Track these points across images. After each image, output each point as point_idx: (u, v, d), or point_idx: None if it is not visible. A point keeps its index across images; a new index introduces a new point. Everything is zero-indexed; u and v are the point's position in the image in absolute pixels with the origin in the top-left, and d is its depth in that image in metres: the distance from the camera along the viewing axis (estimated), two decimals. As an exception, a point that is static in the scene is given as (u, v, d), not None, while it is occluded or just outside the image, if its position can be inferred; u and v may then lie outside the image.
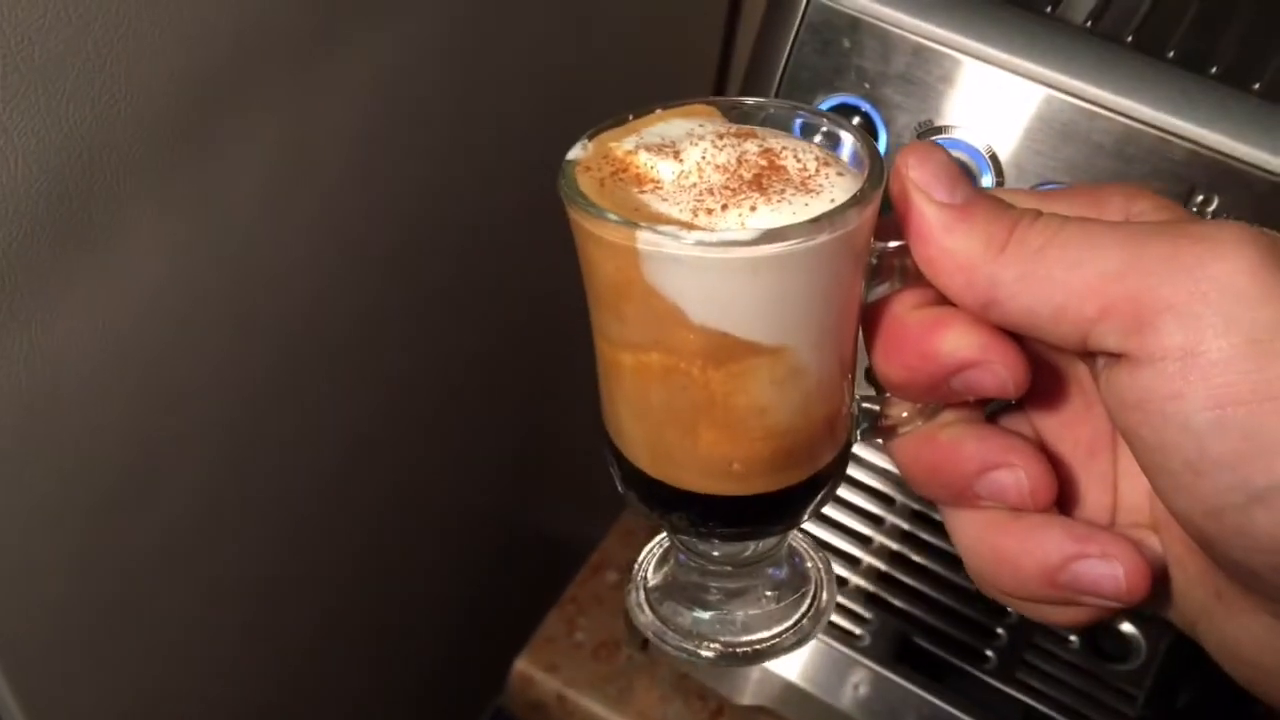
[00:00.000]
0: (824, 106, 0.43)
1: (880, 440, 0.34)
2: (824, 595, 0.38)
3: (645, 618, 0.38)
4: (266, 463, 0.65)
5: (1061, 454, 0.33)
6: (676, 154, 0.31)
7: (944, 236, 0.29)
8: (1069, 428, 0.33)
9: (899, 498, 0.66)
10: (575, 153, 0.32)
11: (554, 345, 0.94)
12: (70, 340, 0.49)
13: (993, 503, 0.32)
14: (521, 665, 0.66)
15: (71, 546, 0.54)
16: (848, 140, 0.32)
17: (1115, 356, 0.28)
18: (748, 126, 0.32)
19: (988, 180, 0.42)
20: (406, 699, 0.98)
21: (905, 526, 0.64)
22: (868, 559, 0.63)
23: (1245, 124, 0.39)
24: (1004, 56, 0.40)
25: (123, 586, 0.58)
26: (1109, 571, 0.30)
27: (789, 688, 0.63)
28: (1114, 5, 0.42)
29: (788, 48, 0.43)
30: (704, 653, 0.37)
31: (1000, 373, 0.30)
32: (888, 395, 0.33)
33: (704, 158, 0.30)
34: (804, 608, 0.37)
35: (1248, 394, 0.26)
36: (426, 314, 0.73)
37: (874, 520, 0.64)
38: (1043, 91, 0.40)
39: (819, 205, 0.29)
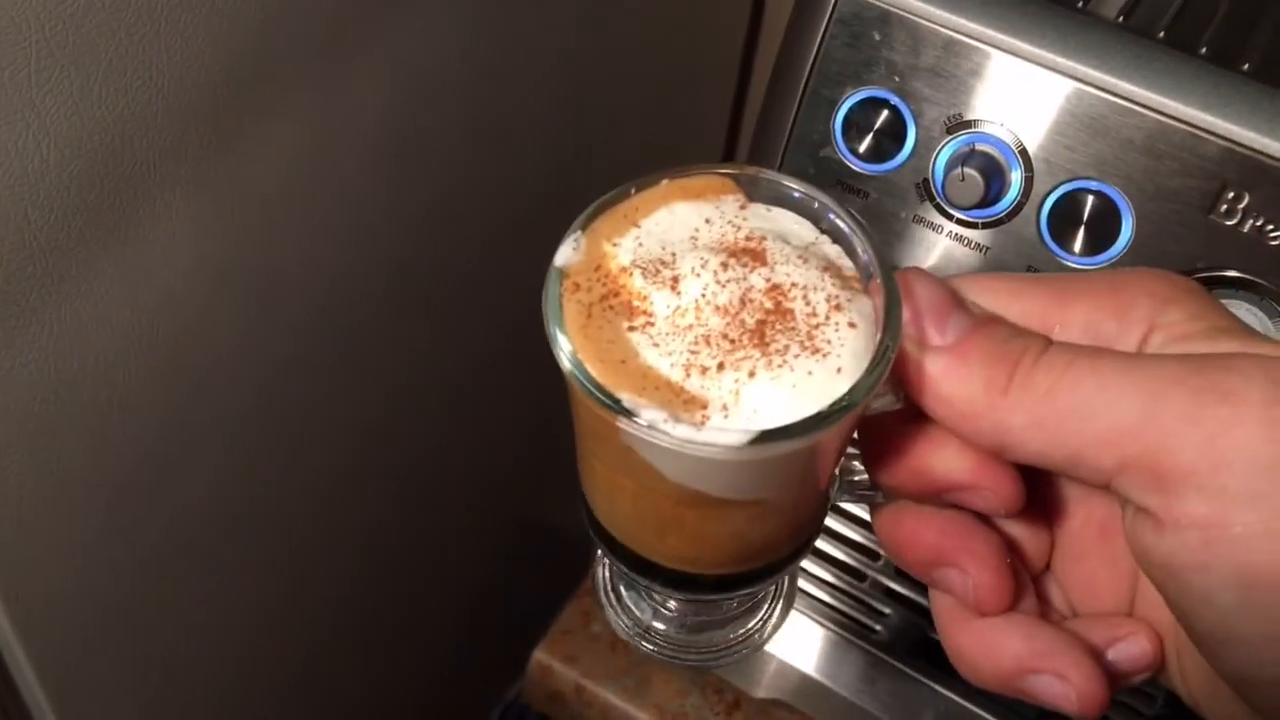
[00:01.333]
0: (853, 99, 0.43)
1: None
2: (780, 604, 0.36)
3: (606, 601, 0.37)
4: (284, 448, 0.65)
5: (1063, 529, 0.31)
6: (674, 283, 0.27)
7: (940, 384, 0.27)
8: (1077, 502, 0.31)
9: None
10: (565, 254, 0.28)
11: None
12: (96, 323, 0.49)
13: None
14: (540, 656, 0.66)
15: (95, 525, 0.54)
16: (863, 253, 0.29)
17: (1139, 508, 0.26)
18: (759, 234, 0.28)
19: (1016, 174, 0.42)
20: (421, 686, 0.98)
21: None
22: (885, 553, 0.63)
23: (1277, 121, 0.39)
24: (1034, 50, 0.40)
25: (144, 566, 0.58)
26: (1062, 691, 0.29)
27: (806, 681, 0.63)
28: (1145, 0, 0.42)
29: (817, 41, 0.43)
30: (658, 655, 0.36)
31: (991, 499, 0.28)
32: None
33: (704, 295, 0.27)
34: (761, 612, 0.36)
35: (1276, 575, 0.24)
36: (442, 305, 0.73)
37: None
38: (1073, 86, 0.40)
39: (822, 375, 0.26)
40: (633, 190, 0.29)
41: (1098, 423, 0.26)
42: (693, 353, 0.26)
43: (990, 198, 0.41)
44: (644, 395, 0.26)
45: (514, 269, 0.78)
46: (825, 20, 0.42)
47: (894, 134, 0.43)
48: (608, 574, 0.37)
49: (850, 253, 0.29)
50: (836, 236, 0.29)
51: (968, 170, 0.41)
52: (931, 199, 0.44)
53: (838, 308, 0.27)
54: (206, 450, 0.59)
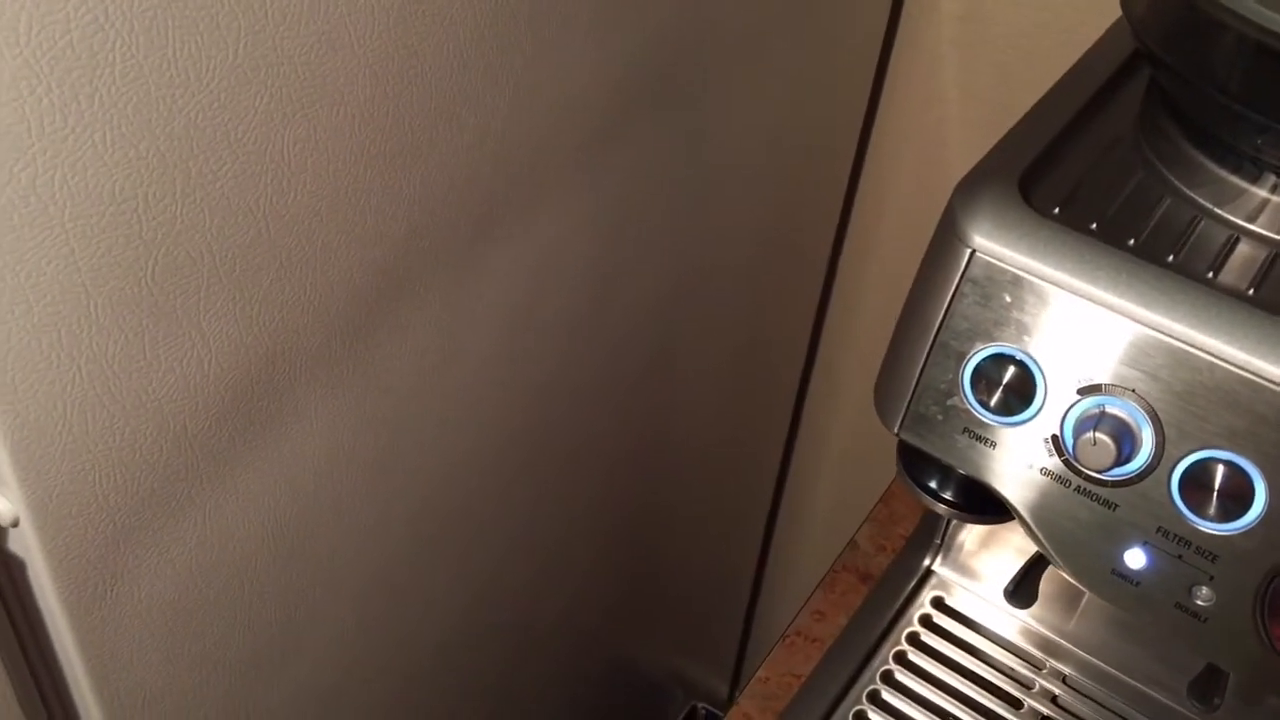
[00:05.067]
0: (982, 354, 0.44)
1: None
2: None
3: None
4: (395, 626, 0.67)
5: None
6: None
7: None
8: None
9: (1049, 661, 0.65)
10: None
11: (665, 498, 0.96)
12: (235, 516, 0.51)
13: None
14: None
15: (214, 708, 0.56)
16: None
17: None
18: None
19: (1147, 437, 0.42)
20: None
21: (1056, 691, 0.64)
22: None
23: None
24: (1166, 323, 0.41)
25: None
26: None
27: None
28: (1273, 272, 0.42)
29: (949, 297, 0.44)
30: None
31: None
32: None
33: None
34: None
35: None
36: (550, 476, 0.75)
37: (1023, 685, 0.64)
38: (1204, 359, 0.40)
39: None
40: None
41: None
42: None
43: (1121, 459, 0.42)
44: None
45: (621, 438, 0.80)
46: (957, 278, 0.43)
47: (1022, 391, 0.43)
48: None
49: None
50: None
51: (1099, 435, 0.41)
52: (1060, 454, 0.44)
53: None
54: (323, 631, 0.61)
